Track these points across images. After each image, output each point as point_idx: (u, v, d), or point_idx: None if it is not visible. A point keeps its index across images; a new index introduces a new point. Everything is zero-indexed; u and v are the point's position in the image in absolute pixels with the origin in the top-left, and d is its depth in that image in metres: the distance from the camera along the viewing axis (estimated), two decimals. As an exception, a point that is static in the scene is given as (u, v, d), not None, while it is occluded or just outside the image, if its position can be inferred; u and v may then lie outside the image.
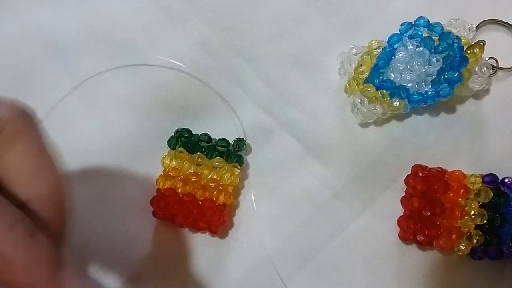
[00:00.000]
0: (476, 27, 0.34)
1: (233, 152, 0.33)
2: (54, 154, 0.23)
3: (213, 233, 0.32)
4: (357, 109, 0.33)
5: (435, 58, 0.31)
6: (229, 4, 0.37)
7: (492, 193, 0.31)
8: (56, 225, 0.22)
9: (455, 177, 0.32)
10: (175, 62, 0.35)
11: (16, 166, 0.21)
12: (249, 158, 0.35)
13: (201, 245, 0.33)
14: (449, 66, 0.31)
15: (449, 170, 0.32)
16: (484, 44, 0.32)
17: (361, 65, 0.33)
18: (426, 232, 0.31)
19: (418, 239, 0.31)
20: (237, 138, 0.34)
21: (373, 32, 0.34)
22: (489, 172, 0.32)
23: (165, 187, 0.32)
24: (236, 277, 0.33)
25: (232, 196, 0.33)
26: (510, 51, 0.35)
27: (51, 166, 0.22)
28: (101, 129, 0.35)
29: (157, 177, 0.33)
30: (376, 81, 0.32)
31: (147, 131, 0.35)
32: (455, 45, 0.31)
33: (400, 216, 0.33)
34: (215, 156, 0.33)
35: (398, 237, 0.32)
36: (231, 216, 0.34)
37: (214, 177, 0.33)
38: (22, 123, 0.22)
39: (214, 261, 0.33)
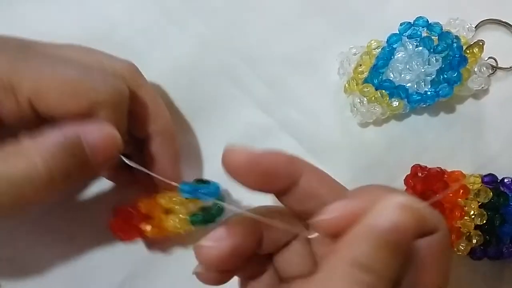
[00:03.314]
0: (475, 26, 0.34)
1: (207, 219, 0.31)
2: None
3: None
4: (357, 109, 0.33)
5: (434, 58, 0.31)
6: (228, 4, 0.37)
7: (491, 193, 0.31)
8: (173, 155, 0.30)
9: (455, 177, 0.32)
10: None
11: (144, 106, 0.29)
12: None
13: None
14: (449, 66, 0.31)
15: (449, 170, 0.32)
16: (483, 44, 0.32)
17: (360, 65, 0.33)
18: (426, 232, 0.31)
19: (417, 239, 0.31)
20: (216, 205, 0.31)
21: (372, 32, 0.34)
22: (489, 172, 0.32)
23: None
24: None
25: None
26: (509, 51, 0.35)
27: (164, 108, 0.30)
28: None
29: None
30: (376, 81, 0.32)
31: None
32: (454, 45, 0.31)
33: (400, 216, 0.32)
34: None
35: (397, 237, 0.32)
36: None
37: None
38: (140, 77, 0.30)
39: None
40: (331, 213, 0.20)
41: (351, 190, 0.23)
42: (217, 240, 0.22)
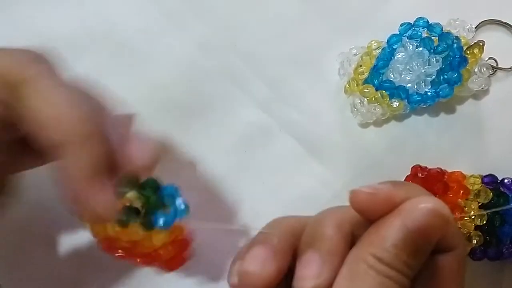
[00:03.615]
0: (476, 27, 0.34)
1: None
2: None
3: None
4: (357, 109, 0.33)
5: (434, 59, 0.31)
6: (228, 4, 0.37)
7: (491, 193, 0.31)
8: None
9: (455, 178, 0.32)
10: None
11: (44, 111, 0.22)
12: (247, 161, 0.34)
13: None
14: (449, 67, 0.31)
15: (449, 170, 0.32)
16: (483, 45, 0.32)
17: (361, 66, 0.33)
18: (426, 233, 0.31)
19: (417, 239, 0.31)
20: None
21: (372, 33, 0.34)
22: (489, 172, 0.32)
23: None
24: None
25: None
26: (509, 51, 0.35)
27: (72, 108, 0.22)
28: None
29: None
30: (376, 81, 0.32)
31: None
32: (455, 45, 0.31)
33: (400, 217, 0.32)
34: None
35: (397, 238, 0.32)
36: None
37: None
38: (38, 70, 0.23)
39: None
40: (370, 189, 0.21)
41: (392, 181, 0.23)
42: (263, 264, 0.21)
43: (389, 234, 0.20)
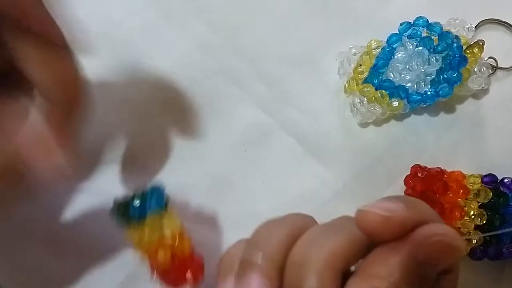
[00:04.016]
0: (475, 26, 0.34)
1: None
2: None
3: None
4: (357, 109, 0.33)
5: (434, 58, 0.31)
6: (228, 4, 0.37)
7: (491, 193, 0.31)
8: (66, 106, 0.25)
9: (455, 177, 0.32)
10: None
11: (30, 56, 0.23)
12: (247, 161, 0.34)
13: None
14: (449, 66, 0.31)
15: (449, 170, 0.32)
16: (483, 44, 0.32)
17: (360, 65, 0.33)
18: (426, 233, 0.31)
19: (417, 239, 0.31)
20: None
21: (372, 32, 0.34)
22: (489, 172, 0.32)
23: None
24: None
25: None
26: (509, 51, 0.35)
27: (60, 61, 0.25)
28: (99, 130, 0.35)
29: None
30: (376, 81, 0.32)
31: (146, 131, 0.35)
32: (454, 44, 0.31)
33: (400, 216, 0.32)
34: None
35: (397, 237, 0.32)
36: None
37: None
38: None
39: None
40: (382, 210, 0.20)
41: (403, 197, 0.22)
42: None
43: (397, 266, 0.19)
